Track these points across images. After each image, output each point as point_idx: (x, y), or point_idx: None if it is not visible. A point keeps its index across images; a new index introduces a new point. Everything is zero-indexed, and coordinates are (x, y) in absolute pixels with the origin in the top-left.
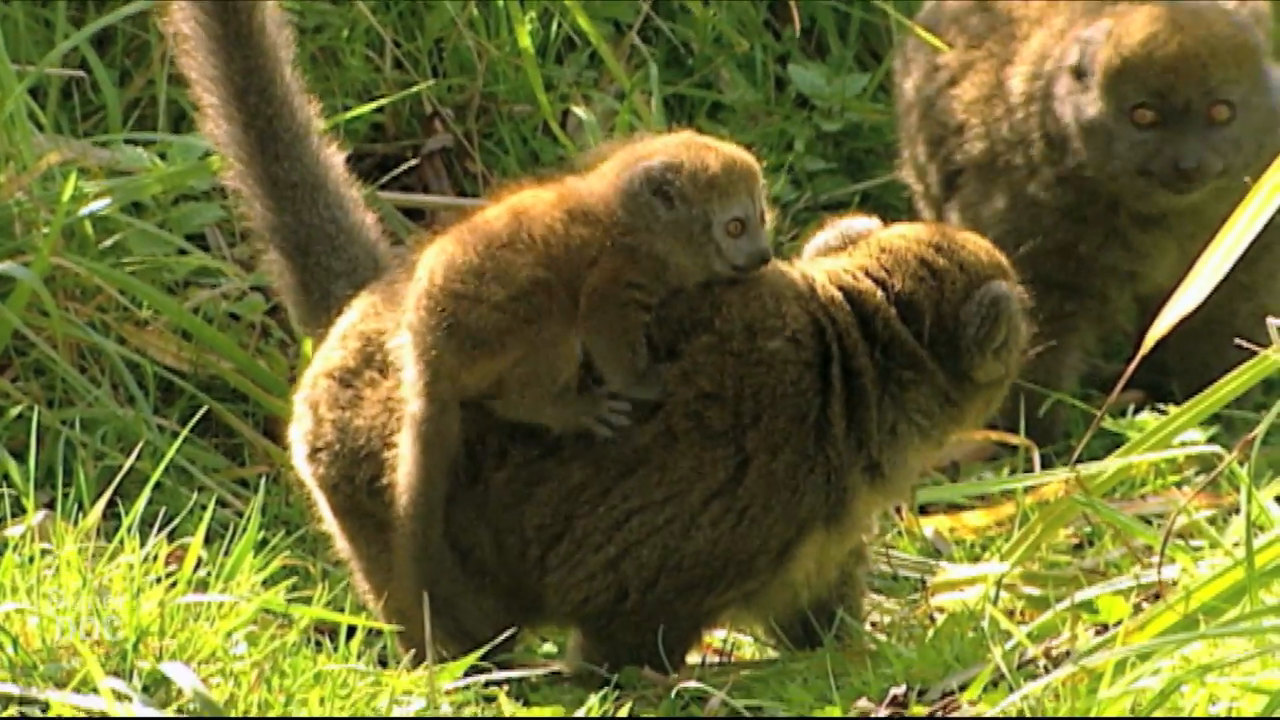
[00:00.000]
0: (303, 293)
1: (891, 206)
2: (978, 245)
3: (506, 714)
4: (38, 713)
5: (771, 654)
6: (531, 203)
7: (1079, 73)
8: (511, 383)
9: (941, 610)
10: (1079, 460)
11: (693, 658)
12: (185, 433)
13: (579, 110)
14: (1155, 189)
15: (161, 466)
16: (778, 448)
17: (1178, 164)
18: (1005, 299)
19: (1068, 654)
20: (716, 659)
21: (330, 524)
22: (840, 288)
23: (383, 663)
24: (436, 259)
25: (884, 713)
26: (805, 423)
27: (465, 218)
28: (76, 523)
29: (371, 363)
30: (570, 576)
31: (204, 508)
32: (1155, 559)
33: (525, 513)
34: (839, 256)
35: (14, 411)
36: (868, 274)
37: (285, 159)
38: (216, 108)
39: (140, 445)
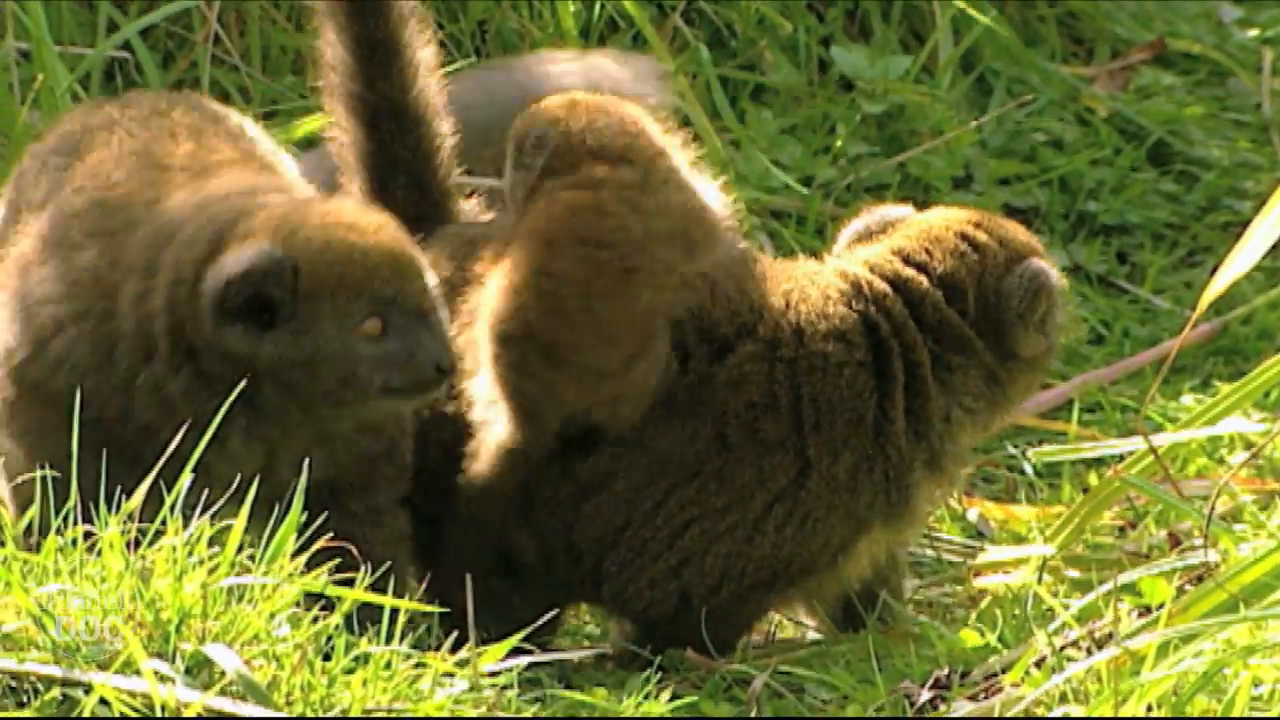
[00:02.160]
0: (369, 163)
1: (933, 187)
2: (1015, 226)
3: (549, 696)
4: (80, 695)
5: (814, 635)
6: None
7: None
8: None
9: (985, 592)
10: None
11: None
12: (225, 407)
13: None
14: None
15: (202, 445)
16: (838, 451)
17: None
18: (1045, 272)
19: (1110, 636)
20: (759, 640)
21: None
22: (886, 279)
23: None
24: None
25: (926, 695)
26: (864, 423)
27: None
28: (118, 505)
29: None
30: (629, 585)
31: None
32: (1199, 541)
33: (577, 525)
34: (874, 243)
35: None
36: (908, 259)
37: (368, 15)
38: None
39: (184, 426)
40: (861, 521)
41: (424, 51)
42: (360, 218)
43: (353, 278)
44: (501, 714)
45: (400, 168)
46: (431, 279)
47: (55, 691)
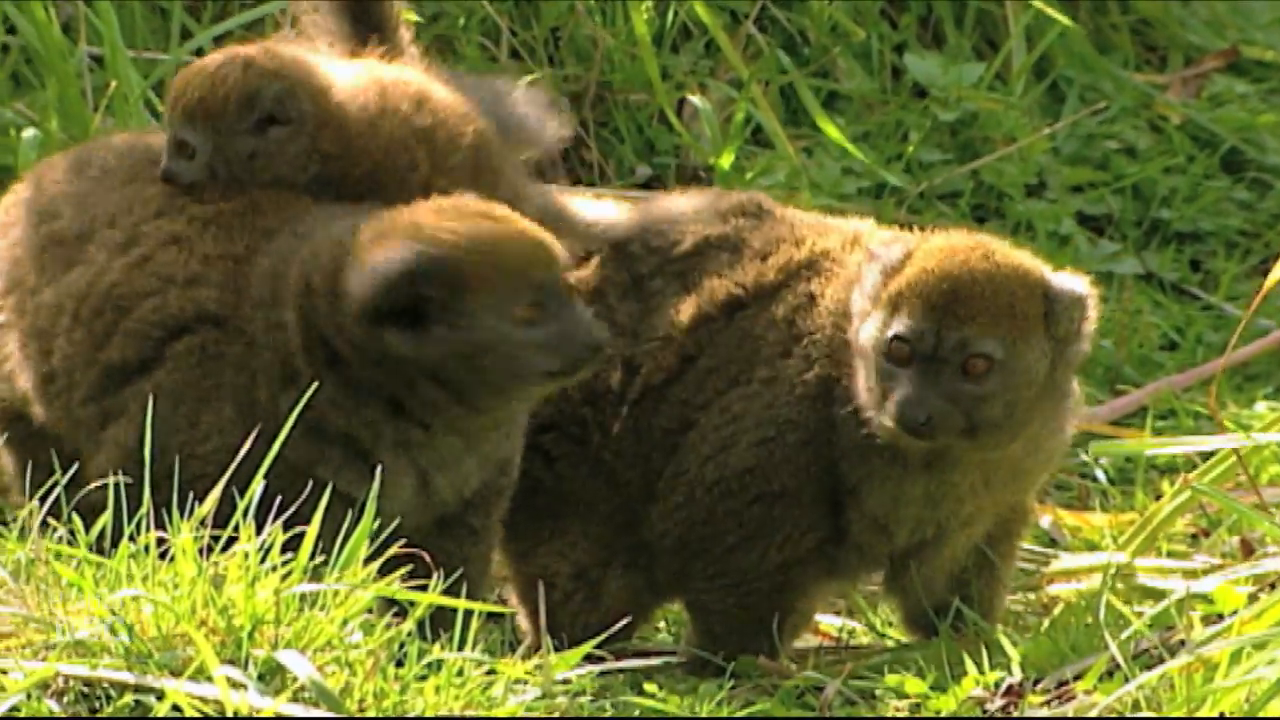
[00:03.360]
0: None
1: (1006, 195)
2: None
3: (621, 703)
4: (153, 700)
5: (887, 643)
6: None
7: None
8: None
9: (1057, 599)
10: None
11: (807, 642)
12: (295, 412)
13: (695, 99)
14: None
15: (274, 452)
16: None
17: None
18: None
19: (1183, 644)
20: (832, 647)
21: None
22: None
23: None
24: None
25: (999, 702)
26: None
27: None
28: (192, 510)
29: None
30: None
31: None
32: (1271, 548)
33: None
34: None
35: None
36: None
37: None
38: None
39: (255, 430)
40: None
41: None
42: (489, 208)
43: (507, 267)
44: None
45: None
46: None
47: (128, 697)
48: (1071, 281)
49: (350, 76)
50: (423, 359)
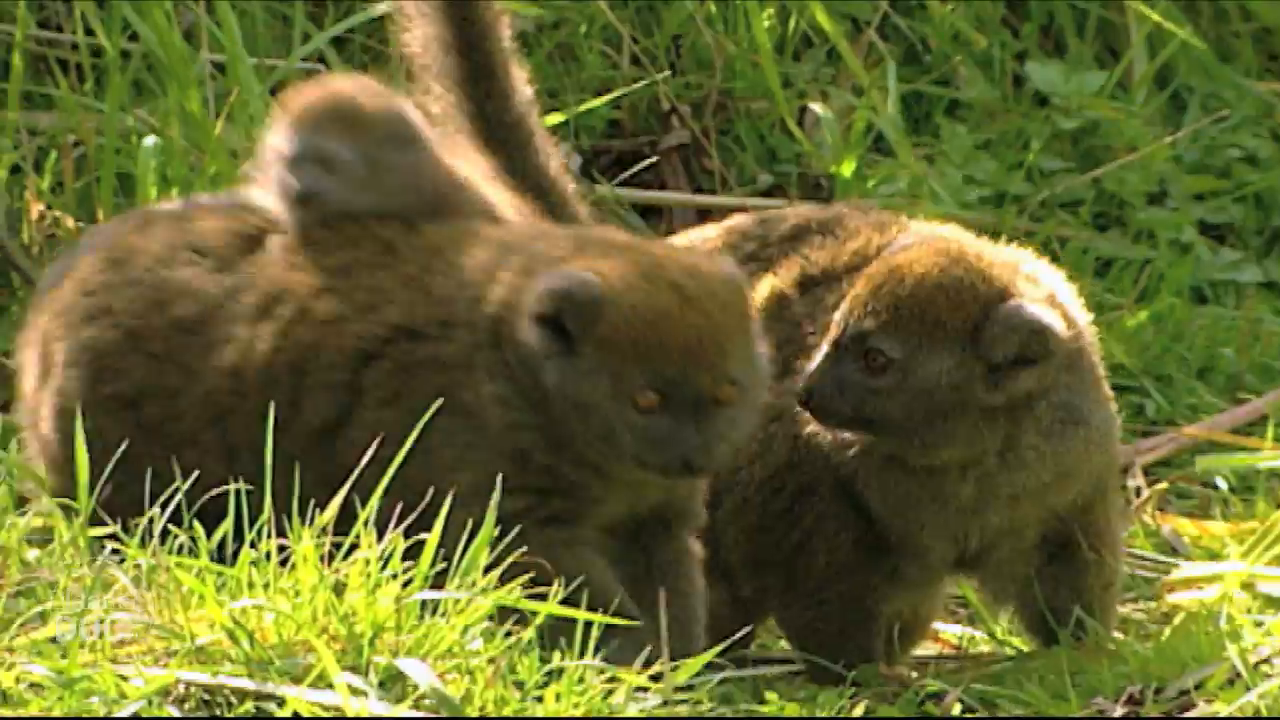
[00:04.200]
0: None
1: (1127, 203)
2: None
3: (742, 711)
4: (274, 708)
5: (1008, 651)
6: None
7: None
8: None
9: (1178, 608)
10: None
11: (928, 650)
12: (422, 423)
13: (816, 107)
14: None
15: (397, 461)
16: None
17: None
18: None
19: None
20: (953, 655)
21: None
22: None
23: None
24: None
25: (1120, 711)
26: None
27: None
28: (312, 519)
29: None
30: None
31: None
32: None
33: None
34: None
35: None
36: None
37: (498, 96)
38: (430, 33)
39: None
40: None
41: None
42: (689, 281)
43: (646, 346)
44: None
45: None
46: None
47: (248, 704)
48: (1028, 310)
49: None
50: (542, 376)
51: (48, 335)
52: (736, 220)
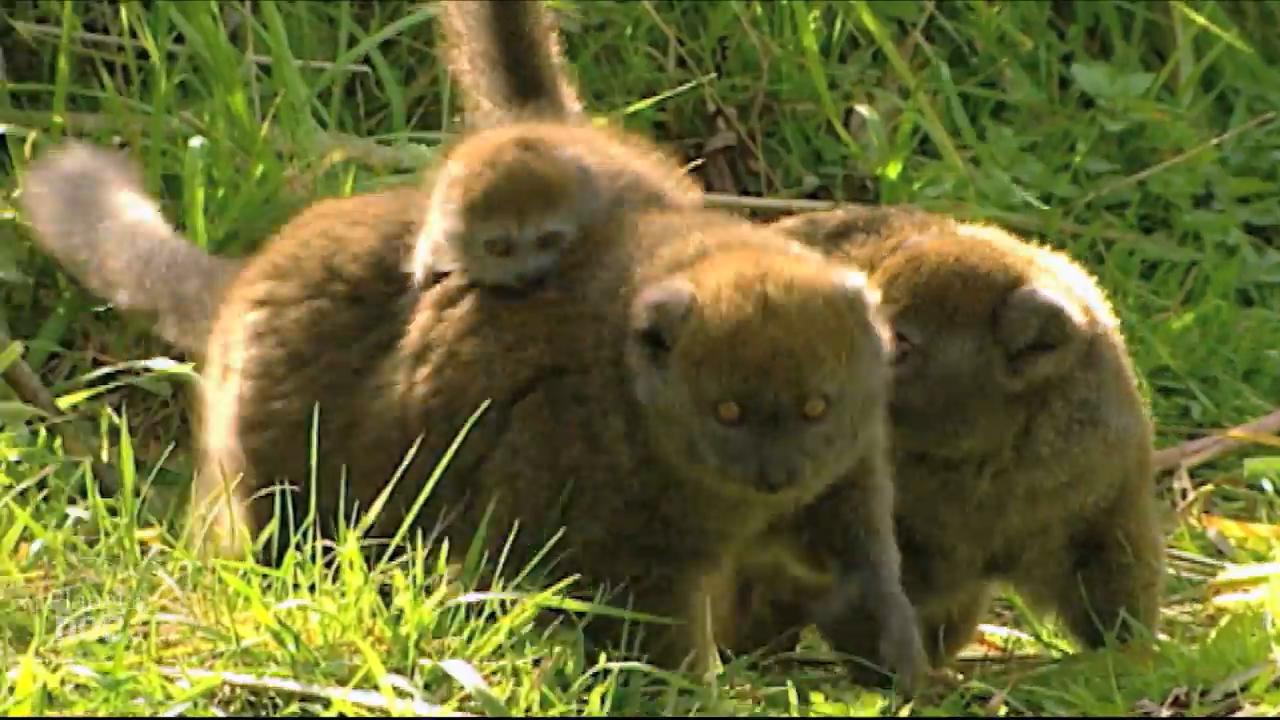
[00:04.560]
0: None
1: (1173, 205)
2: None
3: (787, 713)
4: (319, 709)
5: (1053, 654)
6: None
7: None
8: None
9: (1224, 611)
10: None
11: (974, 652)
12: (466, 430)
13: (862, 109)
14: None
15: (441, 465)
16: None
17: None
18: None
19: None
20: (998, 657)
21: None
22: None
23: None
24: None
25: (1166, 713)
26: None
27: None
28: (357, 521)
29: None
30: None
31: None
32: None
33: None
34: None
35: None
36: None
37: (546, 112)
38: (477, 49)
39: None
40: None
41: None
42: (783, 293)
43: (725, 356)
44: None
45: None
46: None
47: (294, 706)
48: (1043, 294)
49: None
50: (636, 390)
51: (227, 339)
52: (789, 221)
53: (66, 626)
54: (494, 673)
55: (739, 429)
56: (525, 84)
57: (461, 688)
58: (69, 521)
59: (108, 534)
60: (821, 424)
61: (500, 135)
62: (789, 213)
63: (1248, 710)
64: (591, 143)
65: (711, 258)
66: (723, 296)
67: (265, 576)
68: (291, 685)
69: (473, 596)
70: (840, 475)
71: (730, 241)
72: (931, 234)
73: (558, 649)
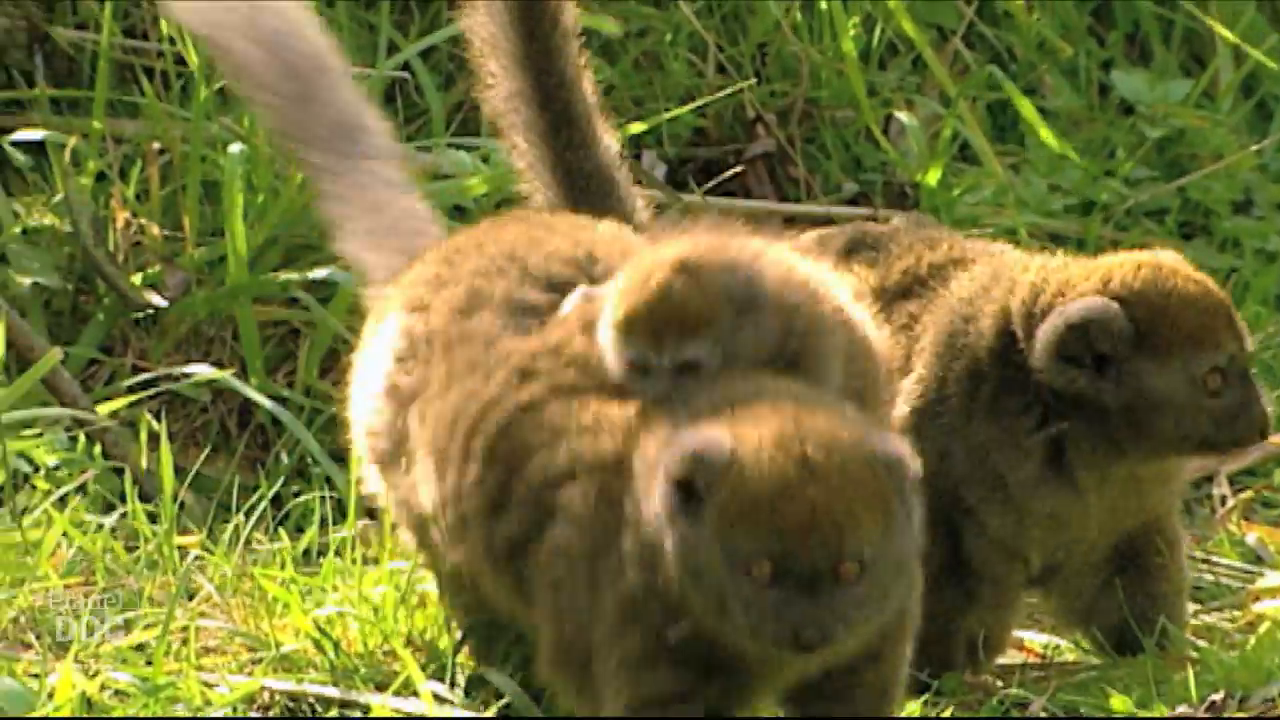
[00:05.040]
0: None
1: (1213, 212)
2: None
3: None
4: (358, 715)
5: (1093, 660)
6: None
7: None
8: None
9: (1263, 617)
10: None
11: (1013, 659)
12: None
13: (902, 115)
14: None
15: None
16: None
17: None
18: None
19: None
20: (1038, 664)
21: None
22: None
23: None
24: None
25: (1203, 718)
26: None
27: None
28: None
29: None
30: None
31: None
32: None
33: None
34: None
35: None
36: None
37: (579, 146)
38: (511, 89)
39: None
40: None
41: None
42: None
43: (760, 515)
44: None
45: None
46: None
47: (333, 712)
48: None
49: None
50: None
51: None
52: (803, 238)
53: (105, 632)
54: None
55: (772, 589)
56: (557, 118)
57: (500, 694)
58: (108, 527)
59: (147, 540)
60: (856, 587)
61: (669, 251)
62: (829, 220)
63: None
64: (784, 265)
65: (756, 407)
66: (761, 452)
67: (305, 584)
68: (331, 691)
69: None
70: (868, 640)
71: (775, 392)
72: (941, 251)
73: None
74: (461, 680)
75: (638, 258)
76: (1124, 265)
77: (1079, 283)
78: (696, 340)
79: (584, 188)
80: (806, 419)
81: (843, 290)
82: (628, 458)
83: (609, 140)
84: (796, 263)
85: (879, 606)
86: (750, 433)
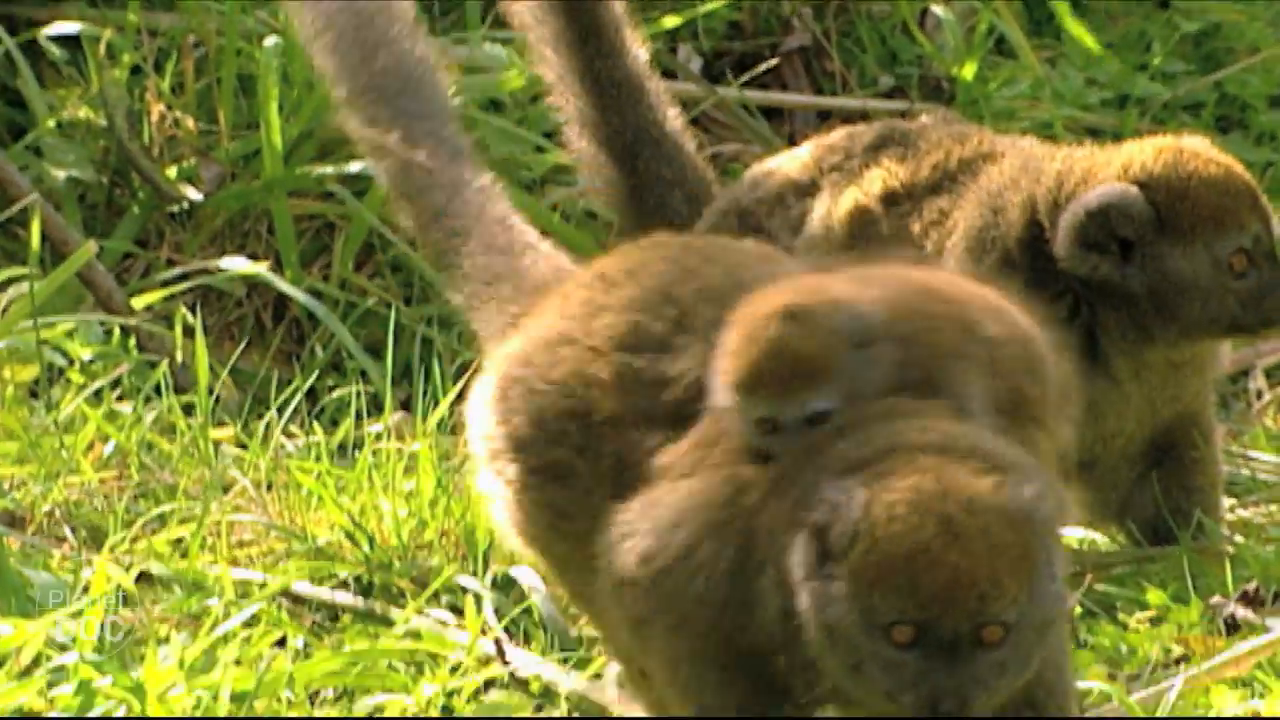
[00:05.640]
0: (634, 201)
1: (1250, 105)
2: None
3: None
4: (392, 611)
5: (1128, 554)
6: None
7: None
8: None
9: None
10: None
11: None
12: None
13: (938, 9)
14: None
15: None
16: None
17: None
18: None
19: None
20: (1072, 558)
21: None
22: None
23: None
24: None
25: (1240, 611)
26: None
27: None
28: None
29: None
30: None
31: None
32: None
33: None
34: None
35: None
36: None
37: (608, 55)
38: (556, 64)
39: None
40: None
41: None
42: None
43: (899, 581)
44: None
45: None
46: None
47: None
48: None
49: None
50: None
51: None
52: (832, 135)
53: (140, 526)
54: None
55: (910, 653)
56: (584, 29)
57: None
58: (145, 422)
59: (182, 434)
60: (998, 650)
61: (769, 302)
62: (864, 114)
63: None
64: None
65: (892, 461)
66: (897, 515)
67: (340, 478)
68: (358, 602)
69: None
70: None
71: (911, 444)
72: (971, 146)
73: None
74: (495, 577)
75: (738, 313)
76: (1144, 150)
77: (1101, 170)
78: (822, 387)
79: (614, 96)
80: (947, 473)
81: (988, 308)
82: (761, 517)
83: (638, 49)
84: (908, 289)
85: (1021, 669)
86: (887, 489)
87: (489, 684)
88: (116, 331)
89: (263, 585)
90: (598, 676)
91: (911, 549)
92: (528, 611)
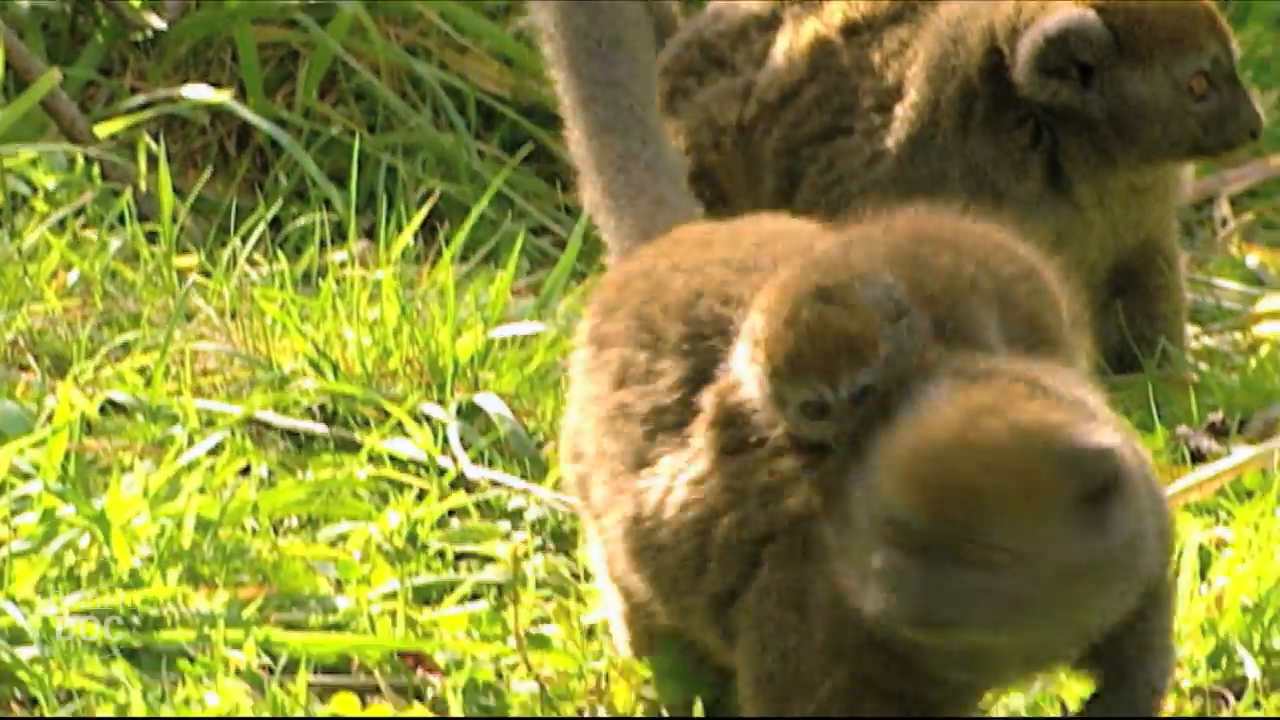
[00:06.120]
0: None
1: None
2: None
3: None
4: (356, 438)
5: None
6: None
7: None
8: None
9: (1264, 340)
10: None
11: None
12: (514, 163)
13: None
14: None
15: (489, 195)
16: None
17: None
18: None
19: None
20: None
21: None
22: None
23: None
24: None
25: (1204, 441)
26: None
27: None
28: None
29: None
30: None
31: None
32: None
33: None
34: None
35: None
36: None
37: None
38: None
39: (460, 171)
40: None
41: None
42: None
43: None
44: None
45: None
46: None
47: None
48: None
49: None
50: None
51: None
52: None
53: (104, 354)
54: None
55: (899, 553)
56: None
57: (493, 420)
58: (107, 250)
59: (146, 262)
60: (997, 576)
61: (793, 285)
62: None
63: None
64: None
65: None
66: (945, 413)
67: (304, 305)
68: (321, 429)
69: (508, 330)
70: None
71: (986, 407)
72: None
73: None
74: (459, 406)
75: (764, 297)
76: None
77: None
78: (868, 363)
79: None
80: (1013, 397)
81: (993, 248)
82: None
83: None
84: (914, 244)
85: (1047, 611)
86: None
87: (453, 512)
88: (80, 160)
89: (226, 415)
90: (556, 486)
91: (934, 449)
92: (496, 442)
